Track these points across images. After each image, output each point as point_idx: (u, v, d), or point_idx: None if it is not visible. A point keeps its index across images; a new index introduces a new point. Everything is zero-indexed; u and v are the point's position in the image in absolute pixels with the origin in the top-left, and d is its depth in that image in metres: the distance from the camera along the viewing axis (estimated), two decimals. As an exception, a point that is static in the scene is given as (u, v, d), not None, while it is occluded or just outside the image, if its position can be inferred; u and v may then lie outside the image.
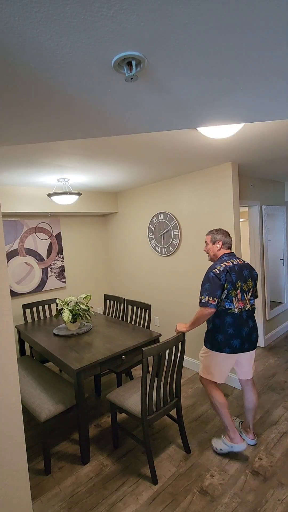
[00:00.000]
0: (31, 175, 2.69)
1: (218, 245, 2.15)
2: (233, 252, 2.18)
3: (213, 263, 2.19)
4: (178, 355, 2.09)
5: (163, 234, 3.57)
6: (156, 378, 1.98)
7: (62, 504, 1.82)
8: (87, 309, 2.82)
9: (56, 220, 3.91)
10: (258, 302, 3.85)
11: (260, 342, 3.93)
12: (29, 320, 3.65)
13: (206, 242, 2.23)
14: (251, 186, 3.60)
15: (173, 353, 2.06)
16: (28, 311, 3.66)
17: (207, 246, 2.21)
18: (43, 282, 3.78)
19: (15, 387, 1.30)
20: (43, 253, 3.79)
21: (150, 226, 3.73)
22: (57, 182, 3.04)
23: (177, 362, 2.10)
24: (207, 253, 2.23)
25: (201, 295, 2.02)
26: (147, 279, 3.94)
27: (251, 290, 2.10)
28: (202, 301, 1.99)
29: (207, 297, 1.99)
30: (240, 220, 5.04)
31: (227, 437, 2.11)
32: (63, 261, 4.01)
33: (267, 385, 2.98)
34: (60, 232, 3.95)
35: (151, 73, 0.93)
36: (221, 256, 2.15)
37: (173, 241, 3.43)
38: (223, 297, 2.02)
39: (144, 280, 3.99)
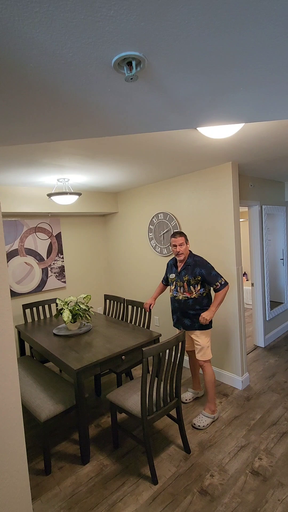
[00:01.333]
0: (31, 175, 2.69)
1: (189, 245, 2.50)
2: None
3: (189, 259, 2.46)
4: (178, 355, 2.09)
5: (163, 234, 3.57)
6: (156, 378, 1.98)
7: (62, 504, 1.82)
8: (87, 309, 2.82)
9: (56, 220, 3.91)
10: (258, 302, 3.85)
11: (260, 342, 3.93)
12: (29, 320, 3.65)
13: (181, 243, 2.40)
14: (251, 186, 3.60)
15: (173, 353, 2.06)
16: (28, 311, 3.66)
17: (182, 247, 2.41)
18: (43, 282, 3.78)
19: (15, 387, 1.30)
20: (43, 253, 3.79)
21: (150, 226, 3.73)
22: (57, 182, 3.04)
23: (177, 362, 2.10)
24: (181, 253, 2.41)
25: (218, 279, 2.36)
26: (147, 279, 3.94)
27: None
28: (223, 282, 2.35)
29: (222, 278, 2.38)
30: (240, 220, 5.04)
31: (208, 410, 2.49)
32: (63, 261, 4.01)
33: (267, 385, 2.98)
34: (60, 232, 3.95)
35: (151, 73, 0.93)
36: (190, 253, 2.51)
37: (173, 241, 3.43)
38: None
39: (144, 280, 3.99)
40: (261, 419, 2.48)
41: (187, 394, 2.81)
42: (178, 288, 2.47)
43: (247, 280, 6.27)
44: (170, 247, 2.51)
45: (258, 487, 1.84)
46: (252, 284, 3.89)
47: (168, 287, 2.86)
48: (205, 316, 2.34)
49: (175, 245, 2.41)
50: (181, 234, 2.43)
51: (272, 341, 4.09)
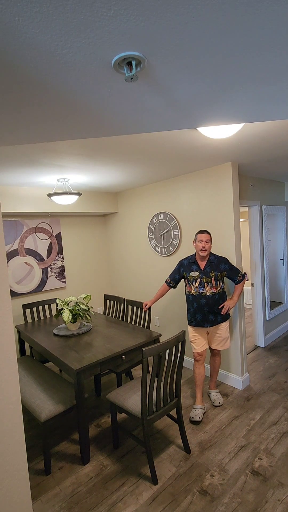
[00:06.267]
0: (31, 175, 2.69)
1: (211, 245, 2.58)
2: None
3: (211, 256, 2.57)
4: (178, 355, 2.09)
5: (163, 234, 3.57)
6: (156, 378, 1.98)
7: (62, 504, 1.82)
8: (87, 309, 2.82)
9: (56, 220, 3.91)
10: (258, 302, 3.85)
11: (260, 342, 3.93)
12: (29, 320, 3.65)
13: (207, 240, 2.50)
14: (251, 186, 3.60)
15: (173, 353, 2.06)
16: (28, 311, 3.66)
17: (208, 244, 2.51)
18: (43, 282, 3.78)
19: (15, 387, 1.30)
20: (43, 253, 3.79)
21: (150, 226, 3.73)
22: (57, 182, 3.04)
23: (177, 362, 2.10)
24: (206, 249, 2.50)
25: (239, 273, 2.58)
26: (147, 279, 3.94)
27: None
28: (242, 274, 2.58)
29: (240, 271, 2.59)
30: (240, 220, 5.04)
31: (215, 388, 2.79)
32: (63, 261, 4.01)
33: (267, 385, 2.98)
34: (60, 232, 3.95)
35: (151, 73, 0.93)
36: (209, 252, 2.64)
37: (173, 241, 3.43)
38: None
39: (144, 280, 3.99)
40: (261, 419, 2.48)
41: (195, 412, 2.51)
42: (205, 284, 2.50)
43: (247, 280, 6.27)
44: (194, 243, 2.56)
45: (258, 487, 1.84)
46: (252, 284, 3.89)
47: (171, 289, 2.84)
48: (229, 304, 2.55)
49: (201, 241, 2.48)
50: (208, 232, 2.53)
51: (272, 341, 4.09)
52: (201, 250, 2.49)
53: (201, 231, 2.52)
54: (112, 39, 0.76)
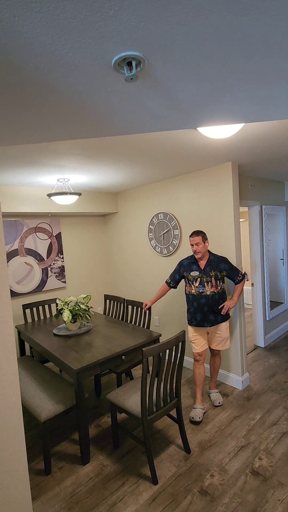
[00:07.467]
0: (31, 175, 2.69)
1: (207, 244, 2.55)
2: None
3: (211, 256, 2.57)
4: (178, 355, 2.09)
5: (163, 234, 3.57)
6: (156, 378, 1.98)
7: (62, 504, 1.82)
8: (87, 309, 2.82)
9: (56, 220, 3.91)
10: (258, 302, 3.85)
11: (260, 342, 3.93)
12: (29, 320, 3.65)
13: (197, 243, 2.48)
14: (251, 186, 3.60)
15: (173, 353, 2.06)
16: (28, 311, 3.66)
17: (199, 246, 2.48)
18: (43, 282, 3.78)
19: (15, 387, 1.30)
20: (43, 253, 3.79)
21: (150, 226, 3.73)
22: (57, 182, 3.04)
23: (177, 362, 2.10)
24: (198, 251, 2.49)
25: (239, 273, 2.57)
26: (147, 279, 3.94)
27: None
28: (242, 274, 2.56)
29: (240, 271, 2.59)
30: (240, 220, 5.04)
31: (215, 388, 2.80)
32: (63, 261, 4.01)
33: (267, 385, 2.98)
34: (60, 232, 3.95)
35: (151, 73, 0.93)
36: (209, 251, 2.62)
37: (173, 241, 3.43)
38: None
39: (144, 280, 3.99)
40: (261, 419, 2.48)
41: (195, 412, 2.52)
42: (206, 283, 2.51)
43: (247, 280, 6.27)
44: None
45: (258, 487, 1.84)
46: (252, 284, 3.89)
47: (172, 289, 2.83)
48: (229, 304, 2.55)
49: (192, 244, 2.52)
50: (198, 233, 2.51)
51: (272, 341, 4.09)
52: (195, 253, 2.52)
53: (191, 234, 2.53)
54: (112, 39, 0.76)
